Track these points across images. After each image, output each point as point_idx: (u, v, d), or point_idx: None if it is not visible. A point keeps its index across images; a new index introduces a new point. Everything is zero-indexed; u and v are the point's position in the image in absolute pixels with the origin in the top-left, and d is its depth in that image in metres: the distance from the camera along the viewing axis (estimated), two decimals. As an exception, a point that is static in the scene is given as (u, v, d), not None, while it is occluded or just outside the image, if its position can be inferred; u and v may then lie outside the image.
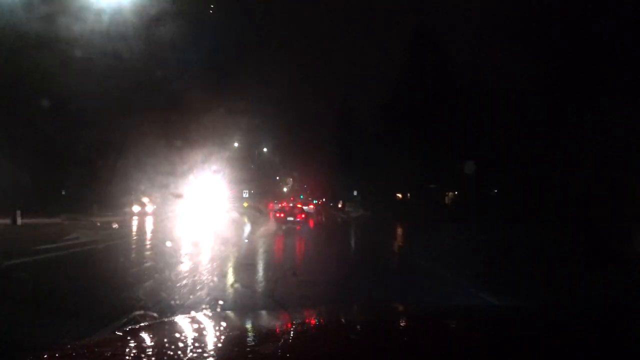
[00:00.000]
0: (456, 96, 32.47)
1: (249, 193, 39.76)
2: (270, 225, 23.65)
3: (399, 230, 24.56)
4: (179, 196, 28.49)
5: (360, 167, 44.86)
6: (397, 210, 35.88)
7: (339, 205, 73.10)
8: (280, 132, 63.93)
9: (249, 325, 2.34)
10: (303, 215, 23.62)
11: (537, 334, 1.91)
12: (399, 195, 41.31)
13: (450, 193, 38.91)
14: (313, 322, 2.45)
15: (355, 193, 38.65)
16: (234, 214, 30.73)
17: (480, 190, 31.52)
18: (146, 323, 2.45)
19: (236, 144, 43.70)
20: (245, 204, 39.27)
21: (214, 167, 31.84)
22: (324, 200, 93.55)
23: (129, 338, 1.89)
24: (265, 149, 49.00)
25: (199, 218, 25.03)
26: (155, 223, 23.59)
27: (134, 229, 20.83)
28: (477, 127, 30.45)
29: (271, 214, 30.61)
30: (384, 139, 38.10)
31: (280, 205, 32.15)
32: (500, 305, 5.75)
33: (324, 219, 38.71)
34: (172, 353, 1.61)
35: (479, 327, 2.14)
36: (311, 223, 26.49)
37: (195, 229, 20.83)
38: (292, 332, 2.09)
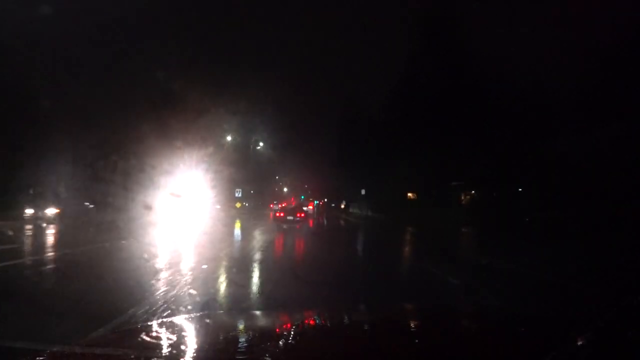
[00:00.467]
0: (479, 79, 28.31)
1: (242, 192, 35.38)
2: (266, 237, 17.55)
3: (429, 241, 18.97)
4: (177, 195, 25.18)
5: (366, 164, 40.61)
6: (411, 212, 31.55)
7: (342, 206, 69.08)
8: (280, 130, 59.68)
9: (241, 326, 2.36)
10: (302, 214, 23.93)
11: (540, 339, 1.84)
12: (410, 194, 37.05)
13: (467, 192, 34.82)
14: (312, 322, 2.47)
15: (363, 192, 34.13)
16: (220, 217, 26.38)
17: (508, 189, 27.34)
18: (146, 324, 2.46)
19: (229, 138, 39.60)
20: (238, 205, 35.07)
21: (194, 163, 27.84)
22: (325, 200, 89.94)
23: (128, 338, 1.94)
24: (261, 144, 44.80)
25: (164, 224, 20.08)
26: (60, 233, 17.73)
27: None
28: (507, 116, 26.32)
29: (271, 214, 31.17)
30: (394, 131, 33.82)
31: (280, 205, 32.58)
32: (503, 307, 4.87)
33: (325, 222, 34.58)
34: (171, 353, 1.64)
35: (479, 329, 2.17)
36: (310, 222, 26.55)
37: (142, 244, 14.04)
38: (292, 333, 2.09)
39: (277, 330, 2.25)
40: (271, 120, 49.94)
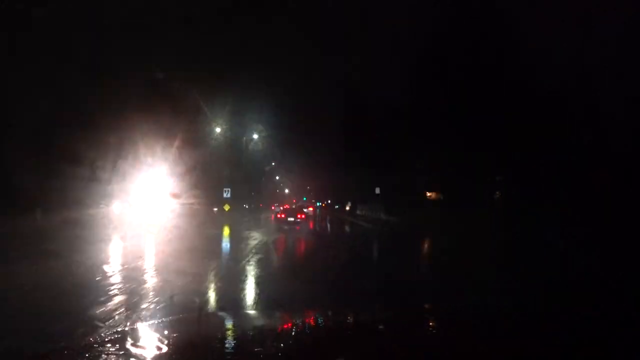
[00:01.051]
0: (523, 52, 22.77)
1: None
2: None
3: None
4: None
5: (377, 160, 34.97)
6: (434, 213, 25.75)
7: (347, 207, 63.38)
8: (280, 128, 53.88)
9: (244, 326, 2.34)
10: (303, 216, 24.50)
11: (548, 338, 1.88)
12: (430, 194, 31.38)
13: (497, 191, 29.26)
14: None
15: (377, 190, 28.21)
16: (200, 225, 20.61)
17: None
18: (145, 324, 2.42)
19: (225, 133, 34.23)
20: (227, 207, 29.44)
21: (174, 161, 22.73)
22: (328, 201, 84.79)
23: (128, 338, 1.86)
24: (257, 137, 39.33)
25: (106, 238, 14.36)
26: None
27: None
28: (557, 99, 20.83)
29: (272, 215, 30.71)
30: (413, 119, 28.16)
31: (281, 207, 33.60)
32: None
33: (329, 227, 29.11)
34: (172, 352, 1.65)
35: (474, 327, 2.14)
36: (311, 224, 27.07)
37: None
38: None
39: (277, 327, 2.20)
40: (271, 118, 44.68)
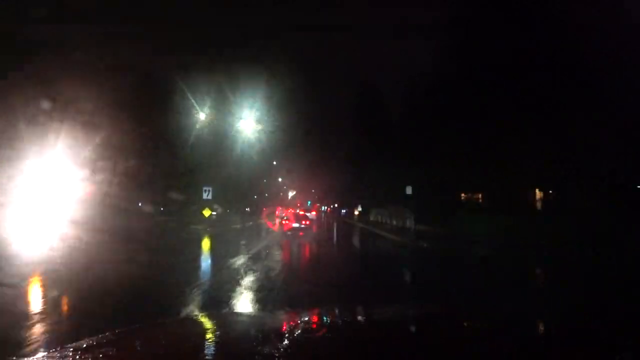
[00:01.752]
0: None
1: (211, 192, 23.00)
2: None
3: None
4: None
5: (397, 154, 28.78)
6: (477, 219, 19.04)
7: (356, 212, 56.98)
8: (282, 125, 47.65)
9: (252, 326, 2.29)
10: (308, 222, 24.97)
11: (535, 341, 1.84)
12: (464, 195, 24.93)
13: (539, 192, 22.92)
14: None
15: (408, 191, 21.52)
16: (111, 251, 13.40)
17: None
18: (147, 324, 2.31)
19: (202, 116, 28.20)
20: (207, 213, 23.17)
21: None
22: (335, 205, 78.95)
23: (130, 339, 1.86)
24: (254, 129, 33.20)
25: None
26: None
27: None
28: None
29: (276, 221, 31.66)
30: (446, 103, 21.72)
31: (285, 212, 34.68)
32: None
33: (335, 244, 22.88)
34: (174, 353, 1.60)
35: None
36: (314, 228, 27.63)
37: None
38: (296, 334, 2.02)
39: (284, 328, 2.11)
40: (272, 116, 38.70)
